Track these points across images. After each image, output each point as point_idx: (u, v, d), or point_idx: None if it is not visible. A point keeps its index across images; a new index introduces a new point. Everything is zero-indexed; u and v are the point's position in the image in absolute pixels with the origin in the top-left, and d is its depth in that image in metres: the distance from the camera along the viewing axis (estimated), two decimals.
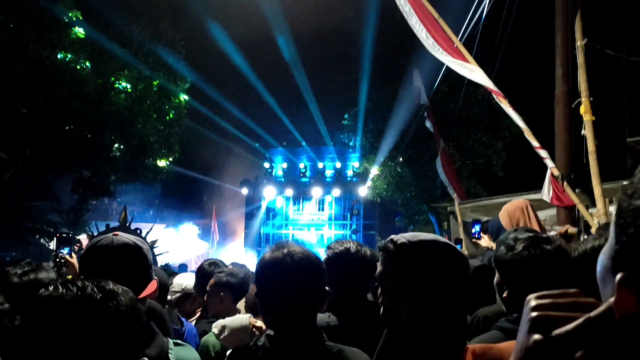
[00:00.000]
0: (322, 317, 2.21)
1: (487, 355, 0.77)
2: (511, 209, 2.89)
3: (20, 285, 2.46)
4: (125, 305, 1.10)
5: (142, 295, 1.93)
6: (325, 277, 1.88)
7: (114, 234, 1.96)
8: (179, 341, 1.95)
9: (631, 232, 0.52)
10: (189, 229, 28.96)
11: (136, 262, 1.89)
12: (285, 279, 1.76)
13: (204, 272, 4.01)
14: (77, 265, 2.98)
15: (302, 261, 1.78)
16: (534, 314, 0.58)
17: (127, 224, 8.39)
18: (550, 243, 1.91)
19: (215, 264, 4.18)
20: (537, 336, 0.56)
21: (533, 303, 0.60)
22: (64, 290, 1.05)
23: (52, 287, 1.08)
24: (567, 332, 0.55)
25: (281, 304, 1.76)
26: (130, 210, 12.73)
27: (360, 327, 2.13)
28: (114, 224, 8.60)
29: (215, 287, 3.58)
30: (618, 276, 0.53)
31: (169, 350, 1.78)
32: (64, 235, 3.65)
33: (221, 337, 2.82)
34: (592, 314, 0.55)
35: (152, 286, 1.99)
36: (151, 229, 9.25)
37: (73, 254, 3.42)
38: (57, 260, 3.32)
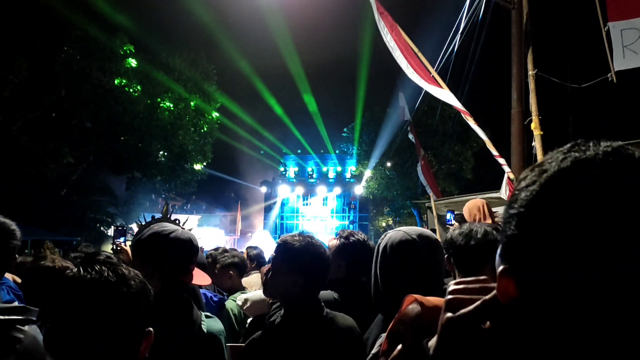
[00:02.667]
0: (329, 294, 2.17)
1: (426, 303, 0.78)
2: (471, 205, 2.91)
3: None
4: (135, 288, 1.02)
5: (196, 283, 2.06)
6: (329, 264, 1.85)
7: (181, 227, 1.99)
8: (209, 314, 1.97)
9: (507, 234, 0.53)
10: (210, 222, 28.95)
11: (190, 252, 1.90)
12: (311, 263, 1.75)
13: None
14: (129, 251, 2.96)
15: (323, 254, 1.80)
16: (449, 297, 0.60)
17: (168, 216, 8.38)
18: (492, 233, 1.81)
19: (226, 250, 4.15)
20: (448, 314, 0.58)
21: (450, 288, 0.61)
22: (85, 273, 0.99)
23: (75, 269, 1.01)
24: (469, 311, 0.57)
25: (299, 280, 1.74)
26: (172, 204, 12.77)
27: (355, 302, 2.08)
28: (158, 215, 8.58)
29: (224, 268, 3.60)
30: (499, 268, 0.54)
31: (202, 321, 1.81)
32: (120, 227, 3.67)
33: (244, 307, 2.78)
34: (487, 297, 0.56)
35: (205, 279, 2.12)
36: (187, 219, 9.22)
37: (127, 242, 3.42)
38: (114, 247, 3.33)
